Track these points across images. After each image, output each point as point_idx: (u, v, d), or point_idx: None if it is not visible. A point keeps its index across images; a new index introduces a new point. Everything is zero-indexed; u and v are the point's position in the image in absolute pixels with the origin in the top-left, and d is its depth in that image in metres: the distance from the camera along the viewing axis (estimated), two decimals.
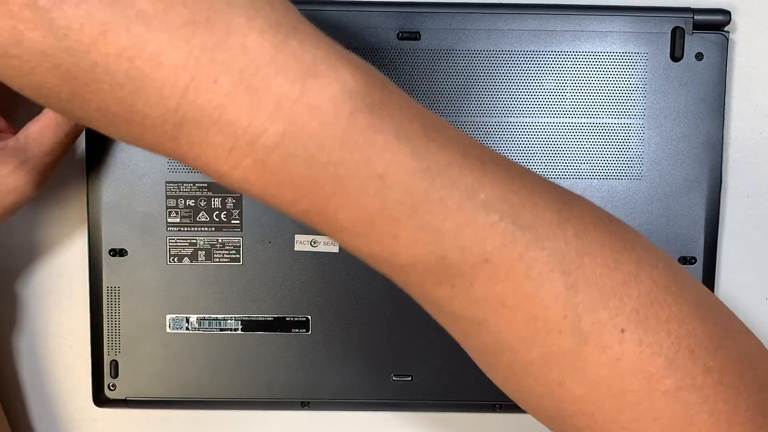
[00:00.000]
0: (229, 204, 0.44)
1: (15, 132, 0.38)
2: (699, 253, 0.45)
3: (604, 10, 0.43)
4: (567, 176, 0.44)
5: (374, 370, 0.45)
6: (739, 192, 0.46)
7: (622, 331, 0.25)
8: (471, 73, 0.43)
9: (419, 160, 0.23)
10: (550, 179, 0.44)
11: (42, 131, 0.37)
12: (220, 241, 0.44)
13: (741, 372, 0.26)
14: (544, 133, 0.44)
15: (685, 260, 0.45)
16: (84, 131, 0.43)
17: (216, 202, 0.44)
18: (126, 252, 0.44)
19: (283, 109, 0.22)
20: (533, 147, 0.44)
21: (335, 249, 0.44)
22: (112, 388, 0.45)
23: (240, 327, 0.45)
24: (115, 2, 0.22)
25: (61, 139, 0.37)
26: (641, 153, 0.44)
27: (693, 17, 0.43)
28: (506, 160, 0.27)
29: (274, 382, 0.45)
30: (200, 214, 0.44)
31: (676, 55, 0.43)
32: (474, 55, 0.43)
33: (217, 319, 0.45)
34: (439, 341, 0.45)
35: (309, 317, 0.45)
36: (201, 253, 0.44)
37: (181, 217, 0.44)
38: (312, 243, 0.44)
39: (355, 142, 0.23)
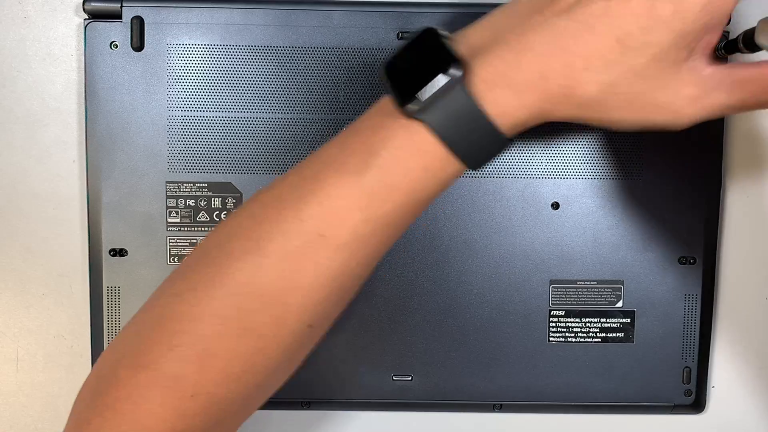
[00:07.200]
0: (229, 204, 0.44)
1: None
2: (699, 253, 0.45)
3: None
4: (567, 176, 0.44)
5: (374, 370, 0.45)
6: (739, 192, 0.46)
7: None
8: None
9: None
10: (550, 179, 0.44)
11: None
12: None
13: None
14: (544, 132, 0.44)
15: (685, 260, 0.45)
16: (84, 131, 0.43)
17: (216, 202, 0.44)
18: (126, 252, 0.44)
19: None
20: (533, 146, 0.44)
21: None
22: None
23: None
24: None
25: None
26: (641, 153, 0.44)
27: None
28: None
29: None
30: (200, 214, 0.44)
31: None
32: None
33: None
34: (439, 341, 0.45)
35: None
36: None
37: (181, 217, 0.44)
38: None
39: None
